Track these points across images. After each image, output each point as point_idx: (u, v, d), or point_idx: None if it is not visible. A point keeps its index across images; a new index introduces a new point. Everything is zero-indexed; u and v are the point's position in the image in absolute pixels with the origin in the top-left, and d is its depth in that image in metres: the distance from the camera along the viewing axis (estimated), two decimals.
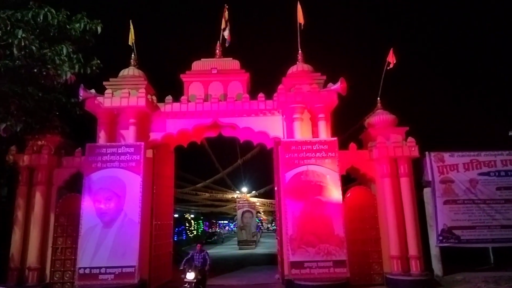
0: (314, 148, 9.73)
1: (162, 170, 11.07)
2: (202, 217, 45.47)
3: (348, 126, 12.25)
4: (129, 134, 10.14)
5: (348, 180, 11.18)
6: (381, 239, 10.14)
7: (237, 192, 32.12)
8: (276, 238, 11.14)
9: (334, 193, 9.45)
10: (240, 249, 27.46)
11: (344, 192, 10.07)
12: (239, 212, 28.84)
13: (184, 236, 33.70)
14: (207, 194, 29.27)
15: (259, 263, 15.98)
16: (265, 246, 30.99)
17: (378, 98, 11.13)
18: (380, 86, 11.00)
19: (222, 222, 69.59)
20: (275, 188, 11.06)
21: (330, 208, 9.35)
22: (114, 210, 9.36)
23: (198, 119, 10.60)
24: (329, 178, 9.51)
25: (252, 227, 28.53)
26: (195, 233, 37.86)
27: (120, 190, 9.45)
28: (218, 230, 58.52)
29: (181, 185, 25.70)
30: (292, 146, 9.77)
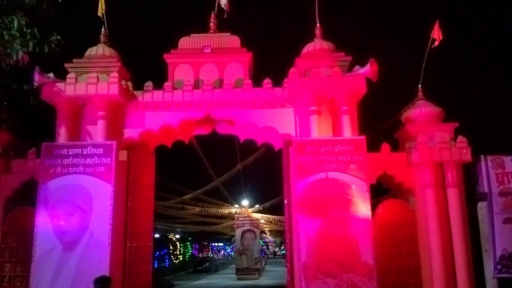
0: (336, 150, 9.79)
1: (139, 177, 11.18)
2: (190, 238, 45.62)
3: (380, 122, 12.36)
4: (98, 131, 10.23)
5: (379, 192, 11.25)
6: (422, 268, 10.18)
7: (236, 206, 32.13)
8: (286, 266, 11.18)
9: (361, 208, 9.52)
10: (239, 279, 27.47)
11: (374, 207, 10.13)
12: (238, 232, 28.84)
13: (167, 262, 33.85)
14: (197, 209, 29.43)
15: None
16: (271, 276, 31.05)
17: (419, 86, 11.16)
18: (422, 71, 11.00)
19: (216, 244, 69.85)
20: (285, 202, 11.10)
21: (355, 228, 9.42)
22: (78, 229, 9.43)
23: (186, 111, 10.68)
24: (354, 188, 9.58)
25: (254, 251, 28.45)
26: (181, 258, 38.03)
27: (85, 202, 9.54)
28: (211, 255, 58.68)
29: (164, 197, 25.97)
30: (307, 147, 9.84)
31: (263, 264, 44.51)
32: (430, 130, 10.51)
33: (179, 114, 10.66)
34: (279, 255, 78.65)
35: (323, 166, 9.73)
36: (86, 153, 9.82)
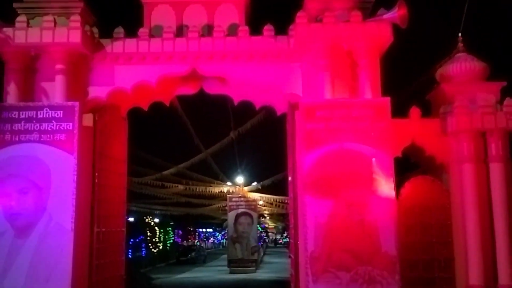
0: (353, 115, 9.70)
1: (108, 148, 11.09)
2: (172, 223, 46.00)
3: (408, 81, 12.26)
4: (56, 89, 10.06)
5: (405, 167, 11.26)
6: (456, 260, 10.19)
7: (229, 184, 32.17)
8: (289, 257, 11.34)
9: (383, 186, 9.49)
10: (232, 272, 27.81)
11: (398, 185, 10.10)
12: (231, 216, 28.94)
13: (143, 252, 34.18)
14: (181, 187, 29.41)
15: None
16: (271, 268, 31.40)
17: (459, 35, 10.98)
18: (463, 16, 10.93)
19: (204, 230, 70.60)
20: (289, 179, 11.10)
21: (375, 211, 9.44)
22: (33, 210, 9.41)
23: (166, 65, 10.51)
24: (375, 162, 9.56)
25: (251, 239, 28.64)
26: (160, 247, 38.43)
27: (41, 178, 9.49)
28: (198, 243, 59.31)
29: (140, 172, 25.88)
30: (318, 111, 9.77)
31: (262, 254, 44.84)
32: (471, 90, 10.40)
33: (157, 68, 10.51)
34: (281, 243, 79.68)
35: (336, 135, 9.68)
36: (41, 116, 9.74)
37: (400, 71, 11.25)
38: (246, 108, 12.53)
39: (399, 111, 10.36)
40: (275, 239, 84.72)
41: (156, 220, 40.72)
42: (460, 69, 10.52)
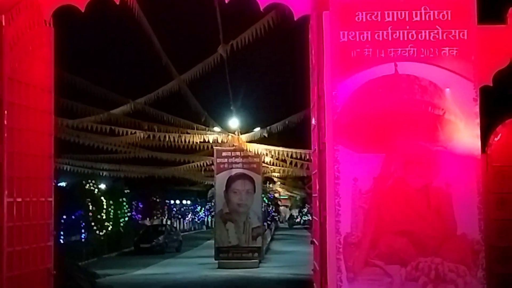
0: (415, 18, 9.73)
1: (24, 70, 11.08)
2: (128, 191, 45.80)
3: None
4: None
5: (498, 102, 11.64)
6: None
7: (216, 129, 31.53)
8: (311, 243, 11.40)
9: (462, 134, 9.57)
10: (221, 267, 27.95)
11: (486, 132, 10.23)
12: (221, 179, 28.96)
13: (83, 235, 34.26)
14: (141, 134, 28.83)
15: None
16: (283, 261, 31.53)
17: None
18: None
19: (178, 203, 70.23)
20: (312, 122, 11.03)
21: (449, 172, 9.53)
22: None
23: None
24: (450, 95, 9.60)
25: (252, 216, 28.48)
26: (110, 228, 38.57)
27: None
28: (168, 222, 59.24)
29: (75, 110, 25.17)
30: (359, 12, 9.77)
31: (269, 239, 45.11)
32: None
33: None
34: (299, 223, 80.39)
35: (389, 51, 9.67)
36: None
37: None
38: (244, 9, 12.30)
39: (490, 13, 10.39)
40: (291, 216, 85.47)
41: (103, 186, 40.59)
42: None
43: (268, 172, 42.55)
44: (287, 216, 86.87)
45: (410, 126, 9.64)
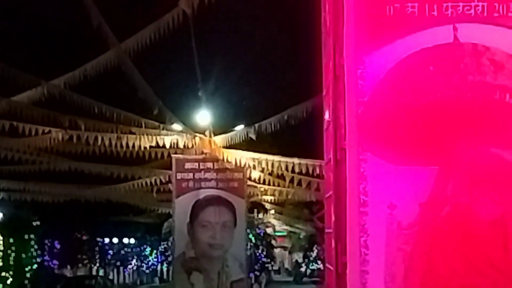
0: None
1: None
2: (38, 222, 39.50)
3: None
4: None
5: None
6: None
7: (177, 128, 27.92)
8: None
9: None
10: None
11: None
12: (183, 206, 25.53)
13: None
14: (58, 134, 24.95)
15: None
16: None
17: None
18: None
19: (115, 242, 57.99)
20: (325, 118, 9.01)
21: None
22: None
23: None
24: None
25: (231, 263, 25.13)
26: (10, 280, 33.43)
27: None
28: (102, 274, 51.81)
29: None
30: None
31: None
32: None
33: None
34: (306, 276, 64.11)
35: (444, 8, 7.82)
36: None
37: None
38: None
39: None
40: (296, 264, 69.87)
41: None
42: None
43: (257, 195, 33.27)
44: (287, 263, 74.66)
45: (477, 124, 7.63)
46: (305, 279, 59.40)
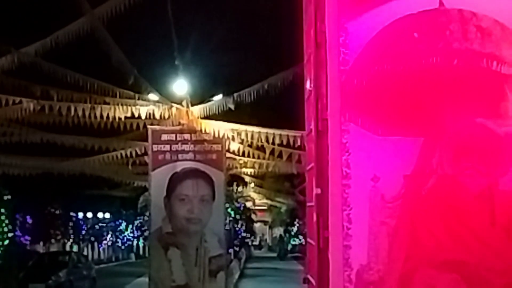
0: None
1: None
2: (9, 196, 39.06)
3: None
4: None
5: None
6: None
7: (152, 97, 27.60)
8: (306, 281, 9.41)
9: None
10: None
11: None
12: (159, 179, 24.94)
13: None
14: (30, 104, 24.65)
15: None
16: None
17: None
18: None
19: (89, 217, 58.85)
20: (306, 86, 8.87)
21: None
22: None
23: None
24: None
25: (209, 238, 24.83)
26: None
27: None
28: (75, 249, 51.76)
29: None
30: None
31: (236, 276, 39.81)
32: None
33: None
34: (287, 251, 63.28)
35: None
36: None
37: None
38: None
39: None
40: (280, 238, 68.51)
41: None
42: None
43: (236, 168, 32.84)
44: (268, 237, 72.16)
45: (464, 93, 7.49)
46: (287, 254, 59.18)
